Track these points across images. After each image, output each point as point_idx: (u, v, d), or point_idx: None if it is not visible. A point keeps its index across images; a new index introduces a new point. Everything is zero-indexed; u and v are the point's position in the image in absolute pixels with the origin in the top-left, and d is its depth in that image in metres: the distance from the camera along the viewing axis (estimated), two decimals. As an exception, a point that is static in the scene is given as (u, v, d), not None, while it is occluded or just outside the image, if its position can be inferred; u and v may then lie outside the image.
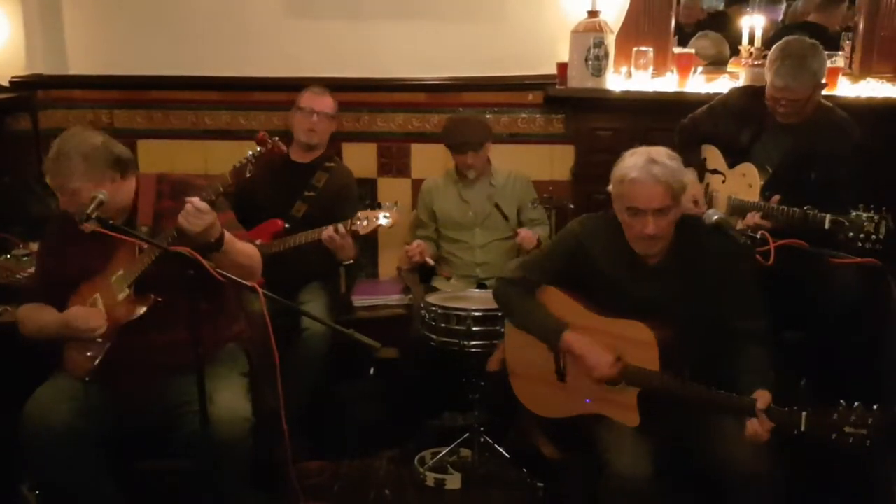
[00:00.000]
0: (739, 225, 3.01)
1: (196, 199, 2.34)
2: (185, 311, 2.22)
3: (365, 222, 3.24)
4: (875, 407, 2.15)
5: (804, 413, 2.21)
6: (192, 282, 2.18)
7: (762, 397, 2.28)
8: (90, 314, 2.51)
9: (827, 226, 2.72)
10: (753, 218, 2.91)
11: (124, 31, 4.14)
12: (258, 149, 2.48)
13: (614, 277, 2.53)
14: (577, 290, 2.61)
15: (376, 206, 3.29)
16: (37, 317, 2.63)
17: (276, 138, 2.53)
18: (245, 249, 2.58)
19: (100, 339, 2.53)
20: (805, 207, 2.80)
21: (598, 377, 2.48)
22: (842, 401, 2.18)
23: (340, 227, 3.29)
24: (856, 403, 2.16)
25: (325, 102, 3.70)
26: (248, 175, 2.48)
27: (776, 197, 2.92)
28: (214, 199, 2.41)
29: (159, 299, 2.51)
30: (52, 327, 2.57)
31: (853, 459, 2.60)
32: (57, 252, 2.66)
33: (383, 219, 3.24)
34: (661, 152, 2.41)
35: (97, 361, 2.54)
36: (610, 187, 2.50)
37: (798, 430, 2.22)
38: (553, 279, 2.65)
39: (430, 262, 3.61)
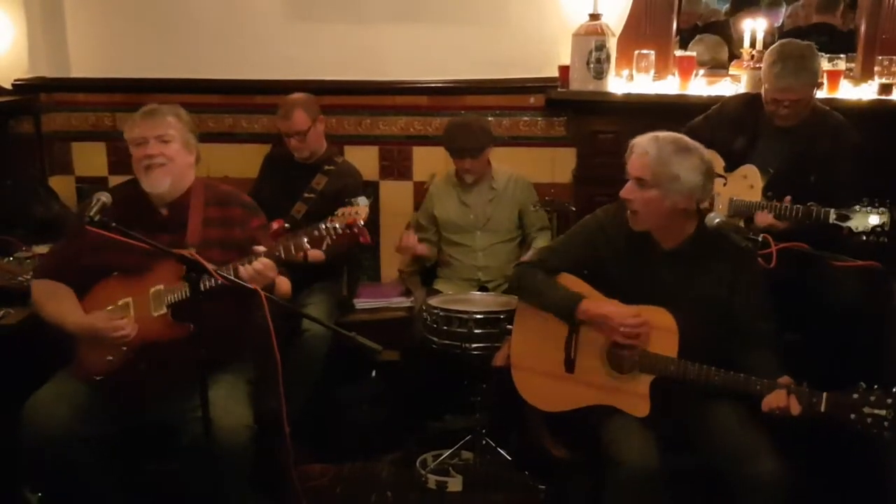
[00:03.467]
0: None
1: (265, 260, 2.40)
2: (219, 330, 2.24)
3: (341, 218, 3.23)
4: (895, 390, 2.17)
5: (824, 394, 2.24)
6: (197, 285, 2.19)
7: (784, 378, 2.32)
8: (121, 324, 2.47)
9: (832, 220, 2.73)
10: (766, 218, 2.91)
11: (127, 33, 4.15)
12: (337, 226, 2.46)
13: (632, 262, 2.58)
14: (596, 277, 2.64)
15: (352, 202, 3.26)
16: (56, 306, 2.58)
17: (363, 225, 2.54)
18: (284, 289, 2.68)
19: (124, 347, 2.51)
20: (808, 204, 2.81)
21: (626, 333, 2.49)
22: (862, 383, 2.21)
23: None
24: (875, 385, 2.19)
25: (294, 123, 3.60)
26: (323, 247, 2.48)
27: (788, 198, 2.91)
28: (284, 258, 2.44)
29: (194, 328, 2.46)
30: (69, 325, 2.53)
31: (865, 452, 2.61)
32: (97, 235, 2.57)
33: (355, 215, 3.19)
34: (669, 138, 2.49)
35: (113, 367, 2.51)
36: None
37: (818, 410, 2.24)
38: (572, 265, 2.69)
39: (424, 252, 3.62)
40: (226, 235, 2.63)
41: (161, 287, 2.50)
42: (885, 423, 2.16)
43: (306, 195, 3.65)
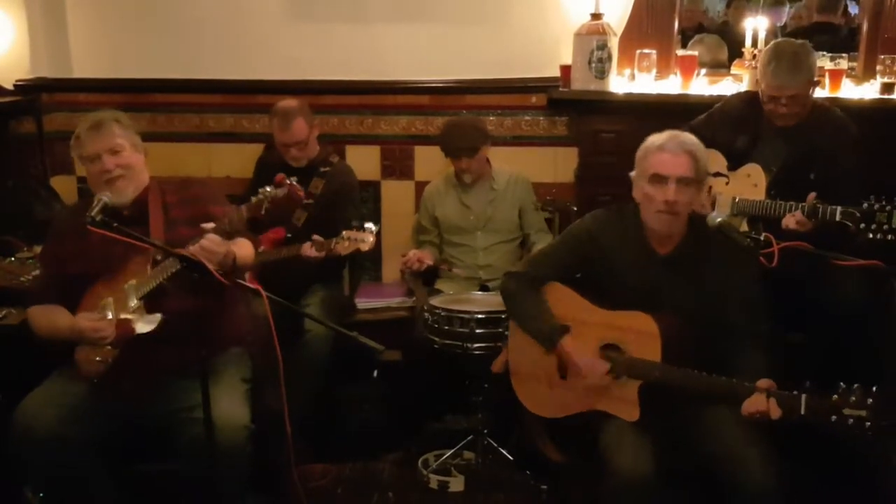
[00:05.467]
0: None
1: (211, 236, 2.39)
2: (192, 318, 2.23)
3: (346, 243, 3.23)
4: (874, 388, 2.15)
5: (803, 396, 2.22)
6: (197, 285, 2.18)
7: (763, 381, 2.31)
8: (98, 323, 2.50)
9: (838, 218, 2.72)
10: (794, 218, 2.89)
11: (128, 34, 4.15)
12: (273, 189, 2.51)
13: (624, 267, 2.58)
14: (586, 283, 2.64)
15: (361, 227, 3.26)
16: (48, 319, 2.63)
17: (294, 179, 2.57)
18: (248, 253, 2.65)
19: (108, 346, 2.52)
20: (815, 202, 2.81)
21: (590, 384, 2.53)
22: (841, 383, 2.19)
23: (317, 244, 3.29)
24: (855, 385, 2.17)
25: (295, 133, 3.56)
26: (262, 213, 2.53)
27: (812, 194, 2.89)
28: (229, 230, 2.46)
29: (167, 318, 2.51)
30: (63, 331, 2.57)
31: (857, 448, 2.60)
32: (72, 243, 2.64)
33: (361, 243, 3.21)
34: (690, 136, 2.53)
35: (105, 367, 2.54)
36: (632, 173, 2.58)
37: (798, 413, 2.22)
38: (561, 274, 2.70)
39: (430, 262, 3.60)
40: (189, 214, 2.66)
41: (133, 281, 2.53)
42: (867, 424, 2.13)
43: (305, 201, 3.62)
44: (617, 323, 2.54)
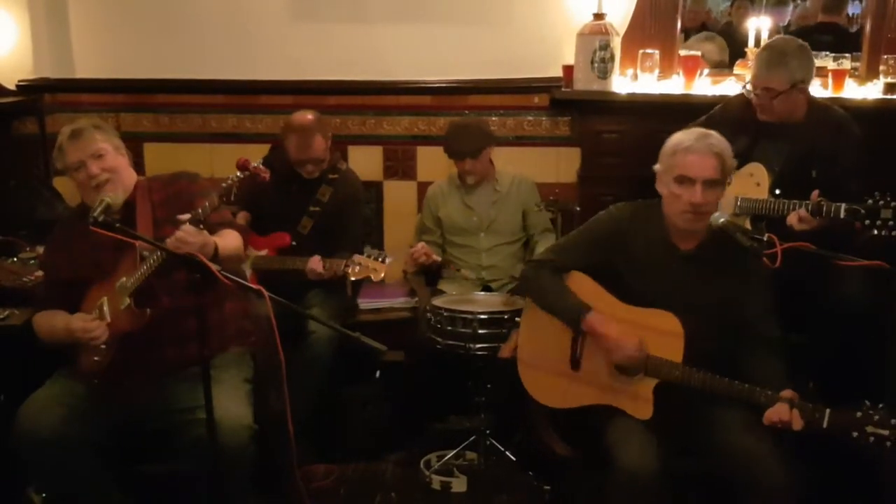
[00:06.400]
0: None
1: (186, 226, 2.40)
2: (185, 315, 2.23)
3: (358, 268, 3.21)
4: None
5: (827, 410, 2.22)
6: (198, 285, 2.18)
7: (787, 392, 2.30)
8: (89, 324, 2.53)
9: (842, 215, 2.72)
10: (797, 215, 2.88)
11: (131, 34, 4.15)
12: (239, 175, 2.51)
13: (646, 262, 2.56)
14: (606, 276, 2.63)
15: (376, 255, 3.24)
16: (48, 323, 2.65)
17: (260, 163, 2.57)
18: (233, 244, 2.66)
19: (103, 346, 2.54)
20: (818, 200, 2.80)
21: (622, 359, 2.49)
22: (866, 401, 2.18)
23: (324, 265, 3.28)
24: (880, 405, 2.17)
25: (315, 151, 3.52)
26: (232, 199, 2.53)
27: (815, 192, 2.87)
28: (203, 219, 2.46)
29: (152, 314, 2.53)
30: (59, 334, 2.59)
31: (867, 462, 2.60)
32: (67, 250, 2.68)
33: (373, 272, 3.18)
34: (715, 133, 2.50)
35: (103, 367, 2.55)
36: (657, 166, 2.56)
37: (819, 426, 2.22)
38: (584, 263, 2.67)
39: (438, 258, 3.59)
40: (175, 210, 2.61)
41: (123, 279, 2.54)
42: (888, 444, 2.13)
43: (311, 209, 3.61)
44: (639, 320, 2.52)
